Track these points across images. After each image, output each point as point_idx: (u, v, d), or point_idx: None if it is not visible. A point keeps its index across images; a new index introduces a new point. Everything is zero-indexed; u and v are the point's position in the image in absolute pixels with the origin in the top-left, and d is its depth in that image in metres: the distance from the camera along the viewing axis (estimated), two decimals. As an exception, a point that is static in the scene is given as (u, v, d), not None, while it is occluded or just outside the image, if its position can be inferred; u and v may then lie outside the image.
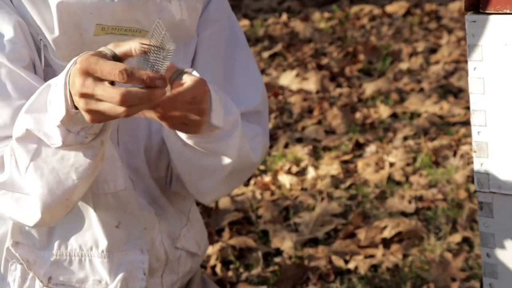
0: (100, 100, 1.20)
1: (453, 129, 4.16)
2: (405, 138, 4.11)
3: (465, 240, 3.15)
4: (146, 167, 1.58)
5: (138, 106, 1.20)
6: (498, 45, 1.46)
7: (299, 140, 4.25)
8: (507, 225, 1.52)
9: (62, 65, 1.44)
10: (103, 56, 1.22)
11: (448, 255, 3.03)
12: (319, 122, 4.43)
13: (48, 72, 1.47)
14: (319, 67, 5.21)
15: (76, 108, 1.26)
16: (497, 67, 1.47)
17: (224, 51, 1.60)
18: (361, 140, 4.15)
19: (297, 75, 5.07)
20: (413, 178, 3.68)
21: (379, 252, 3.12)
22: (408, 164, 3.82)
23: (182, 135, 1.43)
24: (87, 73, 1.20)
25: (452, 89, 4.69)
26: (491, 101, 1.49)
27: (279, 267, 3.08)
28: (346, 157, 3.97)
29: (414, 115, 4.40)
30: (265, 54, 5.55)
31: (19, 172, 1.37)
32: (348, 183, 3.71)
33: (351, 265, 3.06)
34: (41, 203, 1.37)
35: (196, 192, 1.59)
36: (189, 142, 1.43)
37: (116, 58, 1.23)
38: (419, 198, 3.49)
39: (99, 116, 1.23)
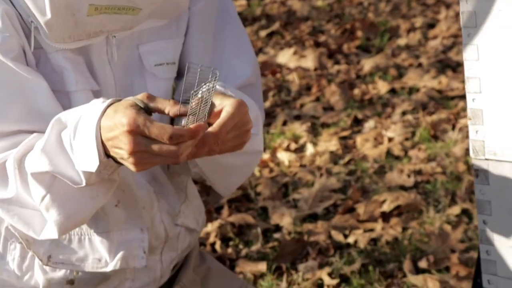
0: (155, 154, 1.24)
1: (451, 103, 4.16)
2: (404, 113, 4.10)
3: (464, 212, 3.15)
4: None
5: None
6: (491, 10, 1.45)
7: (298, 117, 4.24)
8: (503, 191, 1.52)
9: (55, 46, 1.43)
10: (137, 108, 1.26)
11: (447, 227, 3.04)
12: (317, 99, 4.42)
13: (40, 54, 1.45)
14: (317, 45, 5.20)
15: (107, 156, 1.29)
16: (491, 33, 1.46)
17: (215, 24, 1.59)
18: (360, 116, 4.14)
19: (295, 53, 5.06)
20: (412, 152, 3.68)
21: (378, 226, 3.12)
22: (407, 139, 3.82)
23: None
24: (136, 133, 1.24)
25: (451, 64, 4.68)
26: (486, 68, 1.48)
27: (278, 243, 3.08)
28: (345, 133, 3.97)
29: (412, 90, 4.39)
30: (263, 33, 5.53)
31: (29, 195, 1.38)
32: (347, 158, 3.70)
33: (350, 239, 3.07)
34: (57, 228, 1.39)
35: (224, 189, 1.62)
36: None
37: (148, 111, 1.28)
38: (418, 172, 3.49)
39: (150, 166, 1.28)
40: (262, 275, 2.91)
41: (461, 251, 2.90)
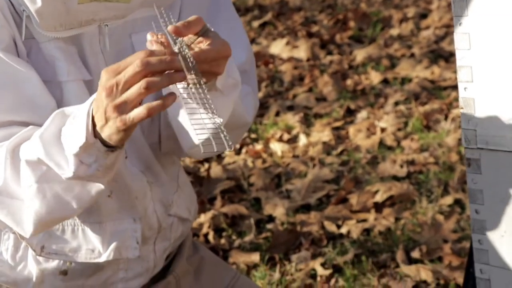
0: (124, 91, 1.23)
1: (444, 93, 4.16)
2: (396, 103, 4.11)
3: (457, 202, 3.16)
4: (141, 133, 1.57)
5: (159, 77, 1.24)
6: None
7: (290, 108, 4.24)
8: (495, 181, 1.52)
9: (46, 35, 1.42)
10: None
11: (440, 217, 3.04)
12: (310, 90, 4.42)
13: (32, 45, 1.45)
14: (310, 35, 5.20)
15: (96, 137, 1.27)
16: (482, 22, 1.46)
17: (208, 10, 1.58)
18: (352, 106, 4.14)
19: (288, 43, 5.06)
20: (404, 143, 3.68)
21: (371, 216, 3.13)
22: (399, 129, 3.82)
23: (180, 85, 1.41)
24: (111, 73, 1.24)
25: (443, 54, 4.69)
26: (477, 56, 1.48)
27: (271, 234, 3.08)
28: (338, 124, 3.97)
29: (405, 80, 4.39)
30: (255, 24, 5.53)
31: (19, 184, 1.37)
32: (339, 149, 3.71)
33: (343, 230, 3.07)
34: (36, 219, 1.38)
35: (184, 143, 1.56)
36: (184, 93, 1.41)
37: None
38: (411, 162, 3.49)
39: (124, 107, 1.25)
40: (255, 266, 2.92)
41: (454, 241, 2.91)
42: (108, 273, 1.58)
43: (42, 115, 1.36)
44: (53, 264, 1.55)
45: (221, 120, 1.31)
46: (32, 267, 1.56)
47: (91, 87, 1.45)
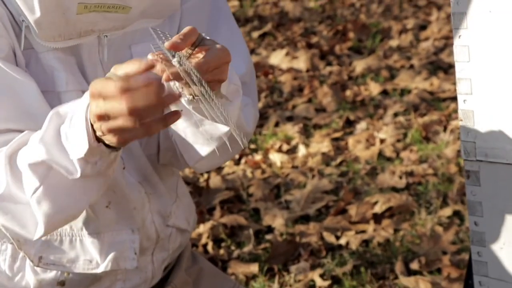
0: (113, 117, 1.20)
1: (443, 104, 4.16)
2: (396, 115, 4.11)
3: (456, 213, 3.16)
4: (138, 145, 1.57)
5: (141, 98, 1.18)
6: (482, 12, 1.45)
7: (290, 119, 4.24)
8: (494, 193, 1.52)
9: (45, 46, 1.42)
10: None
11: (439, 229, 3.04)
12: (310, 101, 4.43)
13: (31, 55, 1.45)
14: (309, 46, 5.20)
15: (98, 141, 1.26)
16: (482, 34, 1.46)
17: (207, 21, 1.58)
18: (352, 117, 4.15)
19: (287, 54, 5.06)
20: (403, 154, 3.68)
21: (370, 227, 3.12)
22: (398, 140, 3.82)
23: (183, 100, 1.40)
24: (97, 96, 1.20)
25: (442, 65, 4.69)
26: (477, 69, 1.48)
27: (270, 244, 3.08)
28: (337, 135, 3.97)
29: (404, 91, 4.40)
30: (255, 34, 5.54)
31: (22, 189, 1.36)
32: (339, 160, 3.71)
33: (342, 241, 3.07)
34: (45, 221, 1.37)
35: (188, 157, 1.56)
36: (189, 107, 1.40)
37: None
38: (410, 174, 3.49)
39: (125, 135, 1.22)
40: (254, 277, 2.91)
41: (453, 253, 2.91)
42: (106, 284, 1.58)
43: (40, 124, 1.36)
44: (50, 274, 1.55)
45: (233, 124, 1.30)
46: (29, 277, 1.55)
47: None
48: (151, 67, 1.18)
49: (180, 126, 1.48)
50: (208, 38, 1.30)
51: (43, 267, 1.54)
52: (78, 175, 1.31)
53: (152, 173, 1.60)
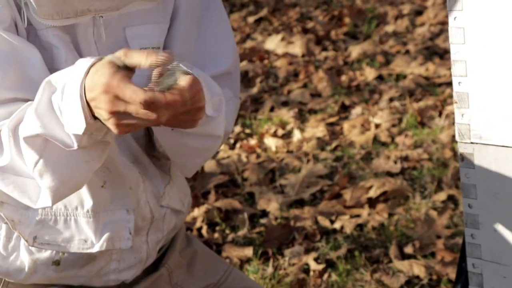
0: (134, 116, 1.23)
1: (438, 89, 4.17)
2: (391, 100, 4.11)
3: (450, 198, 3.17)
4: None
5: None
6: (478, -6, 1.45)
7: (285, 104, 4.24)
8: (488, 175, 1.52)
9: (44, 23, 1.42)
10: (115, 67, 1.24)
11: (433, 213, 3.05)
12: (305, 86, 4.43)
13: (30, 31, 1.45)
14: (305, 31, 5.20)
15: (95, 117, 1.27)
16: (477, 16, 1.46)
17: (200, 10, 1.59)
18: (347, 102, 4.15)
19: (283, 39, 5.06)
20: (398, 139, 3.69)
21: (364, 211, 3.13)
22: (393, 125, 3.83)
23: None
24: (111, 92, 1.23)
25: (438, 51, 4.69)
26: (472, 51, 1.48)
27: (265, 228, 3.09)
28: (332, 119, 3.97)
29: (400, 76, 4.40)
30: (251, 19, 5.52)
31: (24, 163, 1.36)
32: (334, 144, 3.71)
33: (337, 225, 3.07)
34: (52, 194, 1.37)
35: (183, 169, 1.62)
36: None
37: (127, 68, 1.25)
38: (405, 158, 3.50)
39: (130, 128, 1.26)
40: (248, 260, 2.92)
41: (447, 237, 2.92)
42: (101, 264, 1.58)
43: None
44: (45, 254, 1.55)
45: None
46: (24, 257, 1.55)
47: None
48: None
49: (172, 146, 1.54)
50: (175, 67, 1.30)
51: (37, 247, 1.55)
52: (75, 147, 1.31)
53: (143, 155, 1.60)
